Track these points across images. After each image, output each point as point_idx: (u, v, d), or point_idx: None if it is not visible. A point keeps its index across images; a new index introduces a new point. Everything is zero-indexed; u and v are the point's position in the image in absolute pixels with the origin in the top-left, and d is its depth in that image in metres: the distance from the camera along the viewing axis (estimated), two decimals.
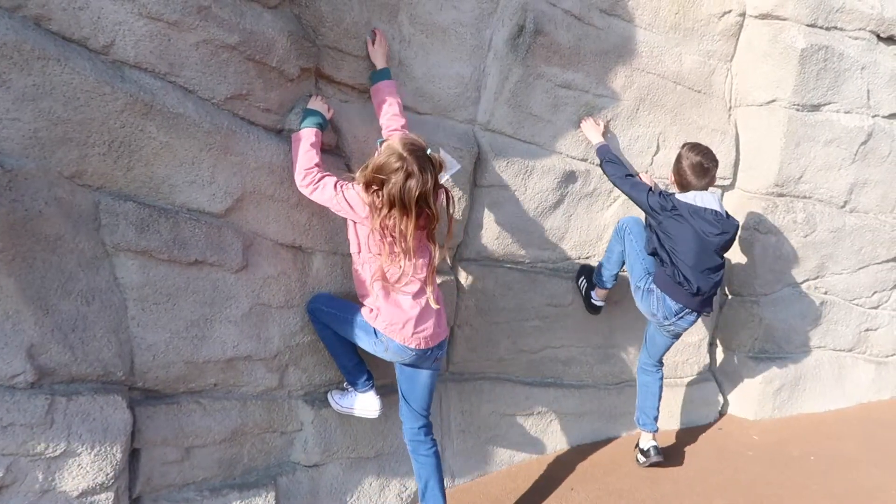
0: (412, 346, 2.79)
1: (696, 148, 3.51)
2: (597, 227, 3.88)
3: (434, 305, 2.78)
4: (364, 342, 2.87)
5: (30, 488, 2.30)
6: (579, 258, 3.87)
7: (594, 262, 3.90)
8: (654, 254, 3.53)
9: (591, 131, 3.66)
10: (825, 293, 4.65)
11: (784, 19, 4.04)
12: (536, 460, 3.82)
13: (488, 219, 3.51)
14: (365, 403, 3.06)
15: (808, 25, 4.06)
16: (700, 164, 3.45)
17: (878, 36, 4.35)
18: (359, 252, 2.79)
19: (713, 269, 3.46)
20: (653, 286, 3.50)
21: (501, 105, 3.44)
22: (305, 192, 2.75)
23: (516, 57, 3.39)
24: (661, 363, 3.83)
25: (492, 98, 3.41)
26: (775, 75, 4.09)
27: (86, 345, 2.43)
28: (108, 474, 2.44)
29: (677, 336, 3.70)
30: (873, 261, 4.73)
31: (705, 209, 3.41)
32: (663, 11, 3.78)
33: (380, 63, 2.96)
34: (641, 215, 3.65)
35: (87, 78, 2.30)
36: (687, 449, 4.11)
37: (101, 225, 2.47)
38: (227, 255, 2.76)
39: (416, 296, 2.76)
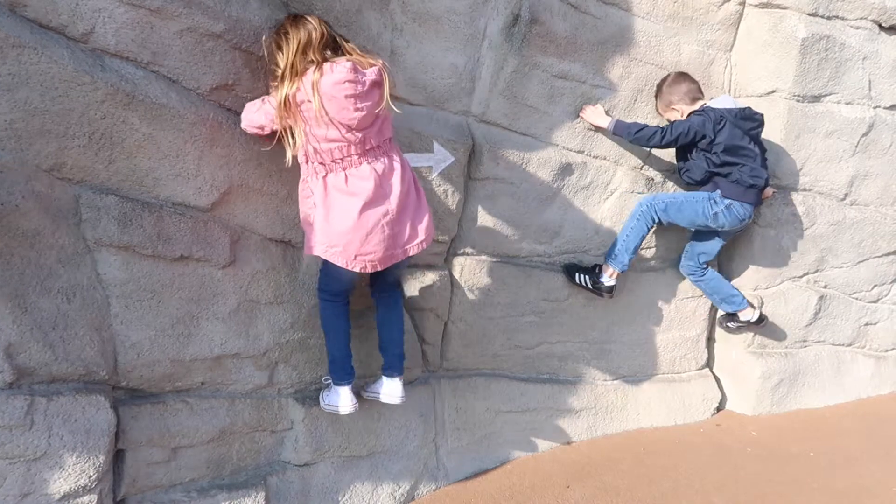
0: (357, 269, 2.62)
1: (667, 76, 3.77)
2: (593, 220, 3.81)
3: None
4: (329, 269, 2.73)
5: (9, 492, 2.24)
6: (575, 252, 3.81)
7: (591, 256, 3.84)
8: (709, 178, 3.72)
9: (595, 116, 3.61)
10: (825, 287, 4.59)
11: (785, 8, 3.96)
12: (532, 458, 3.77)
13: (483, 212, 3.44)
14: (340, 399, 2.93)
15: (809, 14, 3.98)
16: (682, 73, 3.75)
17: (879, 25, 4.27)
18: (307, 161, 2.60)
19: (763, 158, 3.77)
20: (730, 201, 3.68)
21: (496, 96, 3.36)
22: (246, 125, 2.60)
23: (511, 47, 3.31)
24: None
25: (486, 89, 3.33)
26: (775, 65, 4.02)
27: (67, 343, 2.36)
28: (90, 476, 2.38)
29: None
30: (873, 254, 4.67)
31: (739, 109, 3.66)
32: (661, 0, 3.70)
33: None
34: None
35: (65, 67, 2.22)
36: (685, 445, 4.06)
37: (82, 219, 2.40)
38: (213, 250, 2.69)
39: (370, 204, 2.54)
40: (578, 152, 3.68)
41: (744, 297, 4.11)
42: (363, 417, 3.19)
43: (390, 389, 3.00)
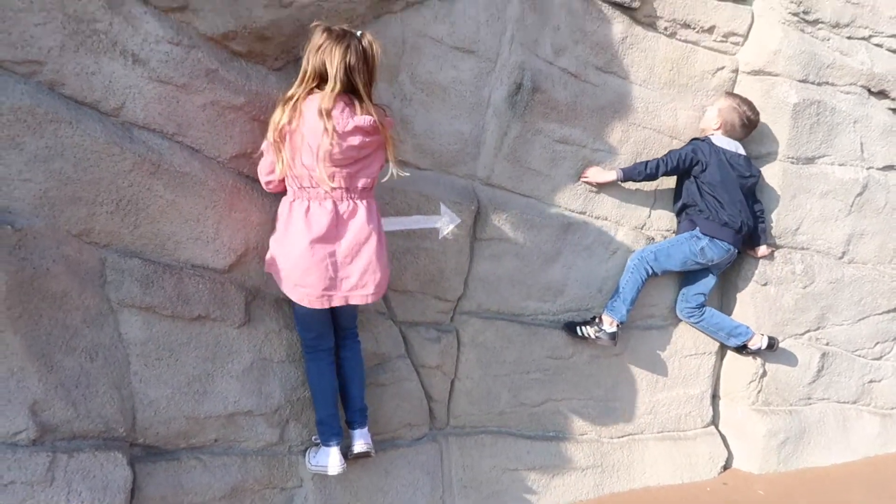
0: (294, 298, 2.68)
1: (749, 103, 3.97)
2: (596, 278, 3.90)
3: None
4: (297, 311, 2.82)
5: None
6: (579, 310, 3.89)
7: (594, 315, 3.91)
8: (686, 207, 3.95)
9: (599, 175, 3.75)
10: (827, 344, 4.64)
11: (776, 75, 4.13)
12: None
13: (488, 272, 3.54)
14: (329, 459, 2.94)
15: (799, 81, 4.15)
16: (754, 122, 3.97)
17: (868, 90, 4.42)
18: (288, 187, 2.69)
19: (747, 208, 3.97)
20: (708, 236, 3.87)
21: (501, 160, 3.51)
22: (264, 181, 2.73)
23: (514, 114, 3.47)
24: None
25: (491, 153, 3.48)
26: (769, 129, 4.17)
27: (88, 401, 2.44)
28: None
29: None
30: (874, 311, 4.73)
31: (738, 154, 3.91)
32: (658, 68, 3.88)
33: None
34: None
35: (97, 139, 2.37)
36: None
37: (107, 281, 2.51)
38: (229, 310, 2.79)
39: (320, 239, 2.59)
40: (580, 213, 3.80)
41: (748, 327, 4.19)
42: (370, 474, 3.22)
43: (361, 441, 3.03)
